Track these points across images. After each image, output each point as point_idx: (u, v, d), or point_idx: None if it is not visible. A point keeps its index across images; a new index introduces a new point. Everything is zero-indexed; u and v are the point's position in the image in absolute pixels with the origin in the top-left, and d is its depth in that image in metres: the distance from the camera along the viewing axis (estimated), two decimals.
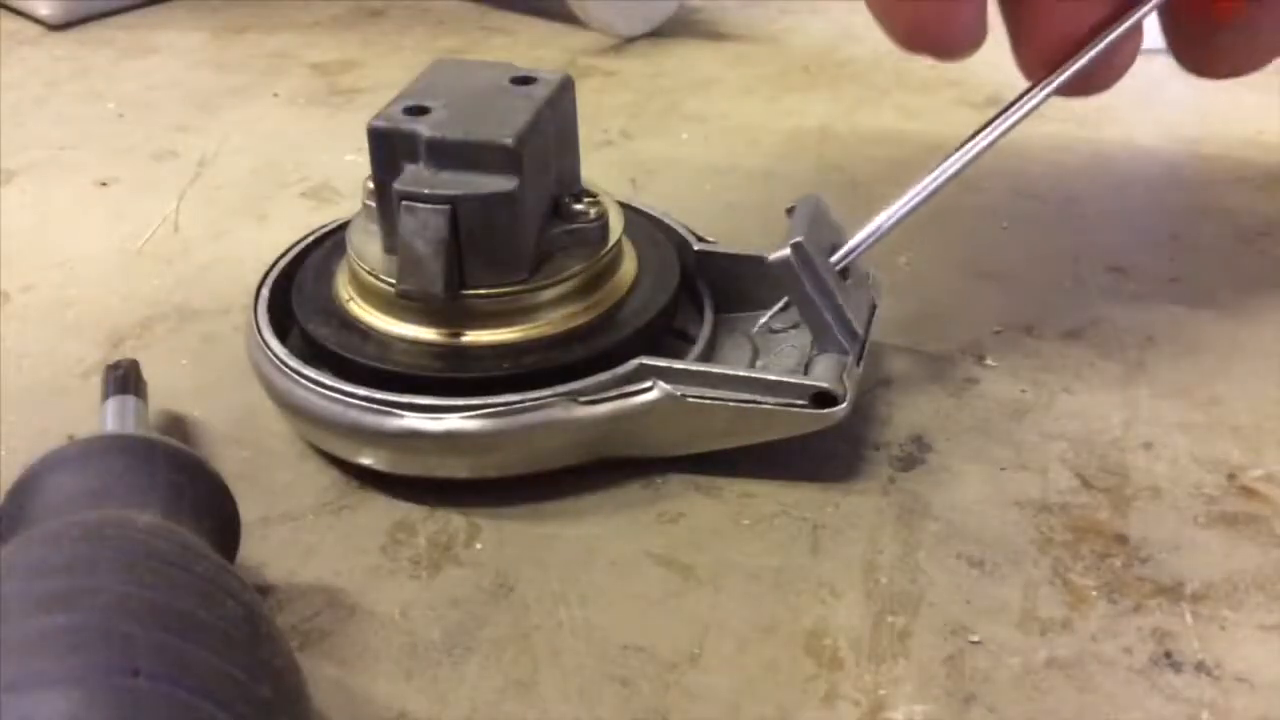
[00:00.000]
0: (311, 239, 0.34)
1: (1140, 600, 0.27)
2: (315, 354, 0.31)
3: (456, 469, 0.29)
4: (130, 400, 0.29)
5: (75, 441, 0.25)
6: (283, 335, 0.31)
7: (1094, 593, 0.27)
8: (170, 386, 0.33)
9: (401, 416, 0.28)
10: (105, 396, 0.29)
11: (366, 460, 0.29)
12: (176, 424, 0.32)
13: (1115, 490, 0.30)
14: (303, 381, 0.29)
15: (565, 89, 0.31)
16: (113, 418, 0.29)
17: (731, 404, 0.29)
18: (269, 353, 0.30)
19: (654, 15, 0.56)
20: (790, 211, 0.31)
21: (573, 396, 0.28)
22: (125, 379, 0.29)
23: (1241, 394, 0.32)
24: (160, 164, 0.39)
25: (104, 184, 0.45)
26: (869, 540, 0.28)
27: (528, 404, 0.28)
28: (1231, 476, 0.30)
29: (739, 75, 0.50)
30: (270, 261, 0.33)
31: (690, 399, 0.29)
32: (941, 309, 0.36)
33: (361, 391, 0.29)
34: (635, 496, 0.29)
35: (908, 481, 0.30)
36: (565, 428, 0.28)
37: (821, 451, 0.31)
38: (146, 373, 0.30)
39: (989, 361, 0.34)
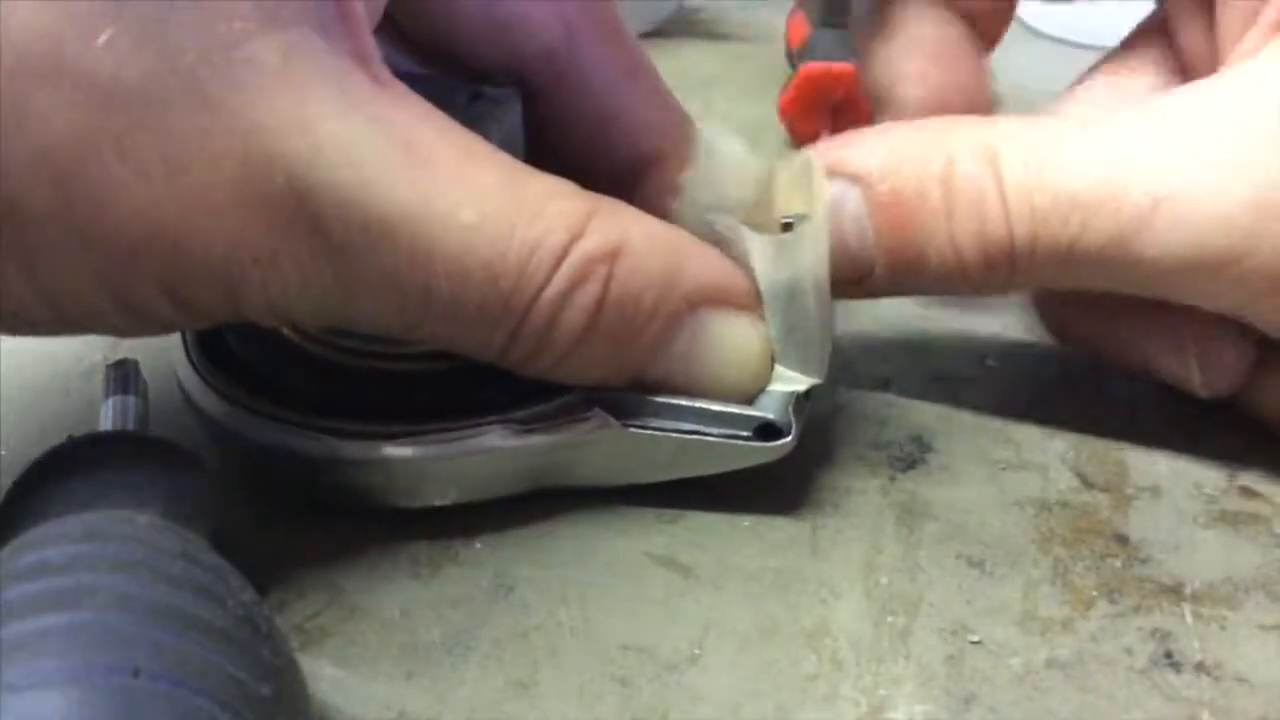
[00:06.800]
0: None
1: (1140, 600, 0.27)
2: (241, 373, 0.29)
3: (388, 497, 0.28)
4: (130, 400, 0.29)
5: (75, 441, 0.25)
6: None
7: (1094, 593, 0.27)
8: (170, 386, 0.33)
9: (327, 441, 0.27)
10: (105, 396, 0.29)
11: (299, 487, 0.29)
12: (177, 424, 0.32)
13: (1115, 490, 0.30)
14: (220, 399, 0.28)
15: (511, 105, 0.29)
16: (113, 417, 0.29)
17: (675, 435, 0.28)
18: (196, 375, 0.29)
19: (652, 15, 0.56)
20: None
21: (509, 424, 0.27)
22: (125, 379, 0.29)
23: None
24: None
25: None
26: (869, 540, 0.28)
27: (463, 431, 0.27)
28: (1231, 476, 0.30)
29: (739, 75, 0.50)
30: None
31: (632, 429, 0.28)
32: (941, 309, 0.36)
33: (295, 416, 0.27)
34: (634, 496, 0.29)
35: (908, 481, 0.30)
36: (501, 456, 0.27)
37: (821, 452, 0.31)
38: (147, 373, 0.30)
39: (989, 361, 0.34)
